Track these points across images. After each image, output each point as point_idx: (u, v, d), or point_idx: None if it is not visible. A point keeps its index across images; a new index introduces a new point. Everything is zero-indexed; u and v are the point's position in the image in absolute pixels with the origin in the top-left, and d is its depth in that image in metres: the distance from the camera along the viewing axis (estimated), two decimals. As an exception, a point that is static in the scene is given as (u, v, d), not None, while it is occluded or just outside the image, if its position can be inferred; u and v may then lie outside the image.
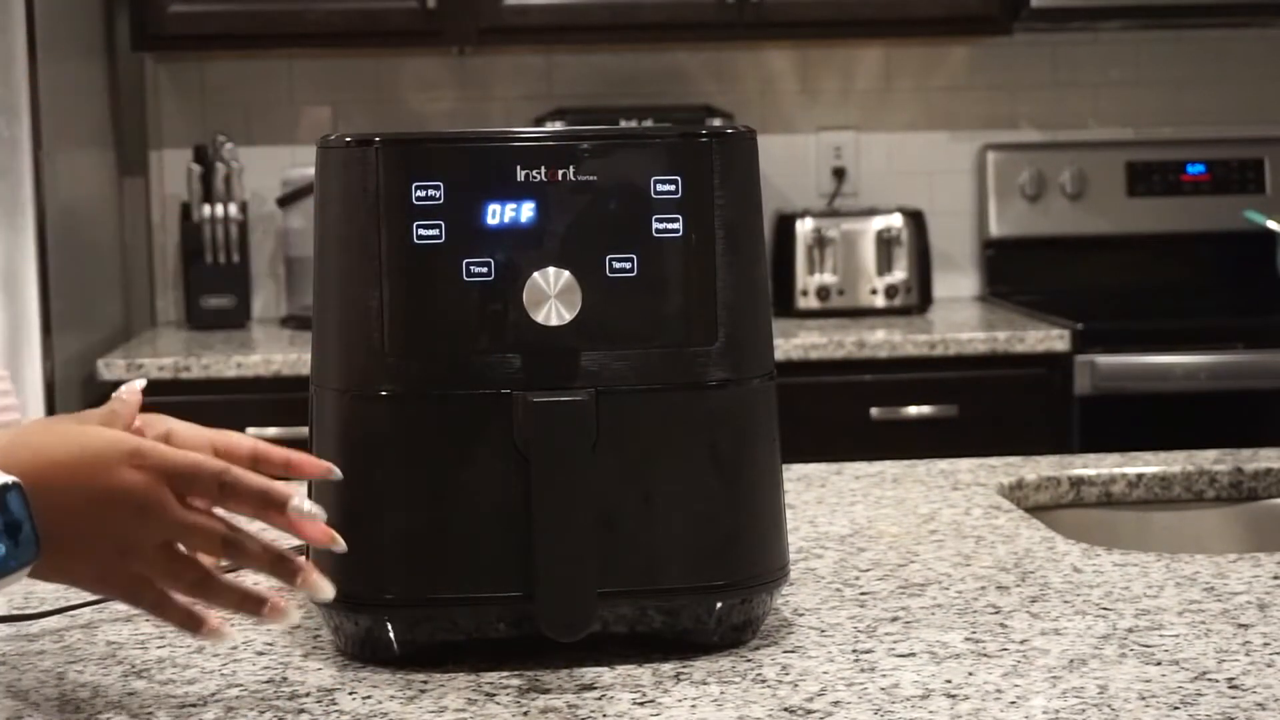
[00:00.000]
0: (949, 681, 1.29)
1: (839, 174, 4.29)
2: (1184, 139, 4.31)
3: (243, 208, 4.01)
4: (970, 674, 1.31)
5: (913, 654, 1.36)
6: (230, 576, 1.11)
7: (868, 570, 1.64)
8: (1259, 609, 1.47)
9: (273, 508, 1.11)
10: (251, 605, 1.14)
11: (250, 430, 2.99)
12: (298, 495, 1.10)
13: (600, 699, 1.27)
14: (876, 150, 4.31)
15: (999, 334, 3.65)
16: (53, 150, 3.43)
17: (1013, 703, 1.24)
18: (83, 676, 1.33)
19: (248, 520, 1.17)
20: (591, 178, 1.32)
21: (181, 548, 1.13)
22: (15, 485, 1.01)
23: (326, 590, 1.13)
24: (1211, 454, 2.14)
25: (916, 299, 4.02)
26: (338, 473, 1.19)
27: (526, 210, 1.31)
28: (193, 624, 1.15)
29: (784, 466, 1.43)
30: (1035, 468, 2.10)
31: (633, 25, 3.92)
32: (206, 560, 1.14)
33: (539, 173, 1.32)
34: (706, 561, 1.34)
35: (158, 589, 1.10)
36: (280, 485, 1.10)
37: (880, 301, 4.01)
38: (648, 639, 1.36)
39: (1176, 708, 1.22)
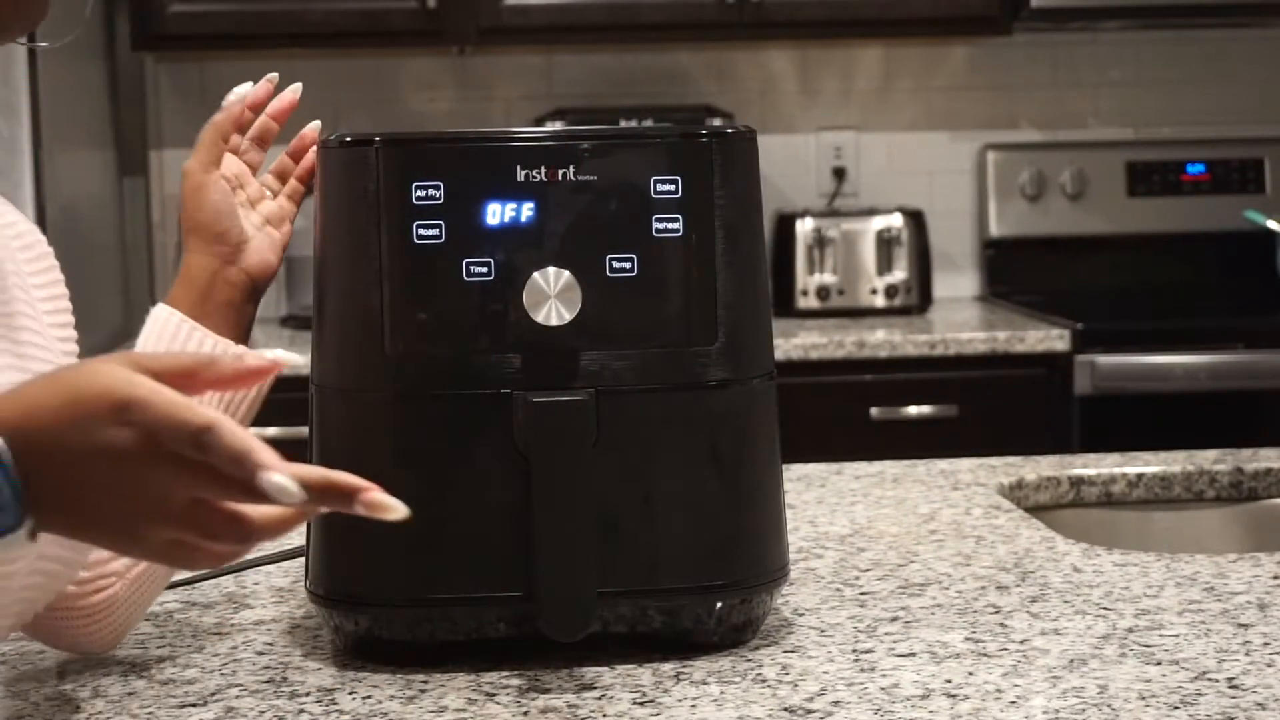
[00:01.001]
0: (949, 681, 1.29)
1: (839, 174, 4.29)
2: (1184, 139, 4.31)
3: (243, 208, 4.01)
4: (970, 674, 1.31)
5: (913, 654, 1.36)
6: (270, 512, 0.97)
7: (868, 570, 1.64)
8: (1259, 609, 1.47)
9: (245, 471, 0.94)
10: (337, 498, 0.96)
11: (250, 430, 2.98)
12: (275, 470, 0.94)
13: (600, 699, 1.27)
14: (876, 150, 4.31)
15: (999, 334, 3.65)
16: (53, 150, 3.43)
17: (1013, 703, 1.24)
18: (83, 676, 1.33)
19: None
20: (591, 178, 1.32)
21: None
22: None
23: (397, 508, 0.96)
24: (1211, 454, 2.14)
25: (916, 299, 4.02)
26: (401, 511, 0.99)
27: (526, 210, 1.31)
28: (216, 557, 0.99)
29: (784, 466, 1.43)
30: (1035, 468, 2.10)
31: (633, 25, 3.92)
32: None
33: (539, 173, 1.32)
34: (706, 561, 1.34)
35: (189, 553, 0.97)
36: (263, 451, 0.95)
37: (880, 301, 4.01)
38: (648, 639, 1.36)
39: (1176, 708, 1.22)
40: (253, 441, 0.94)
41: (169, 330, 1.38)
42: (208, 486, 0.94)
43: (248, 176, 1.48)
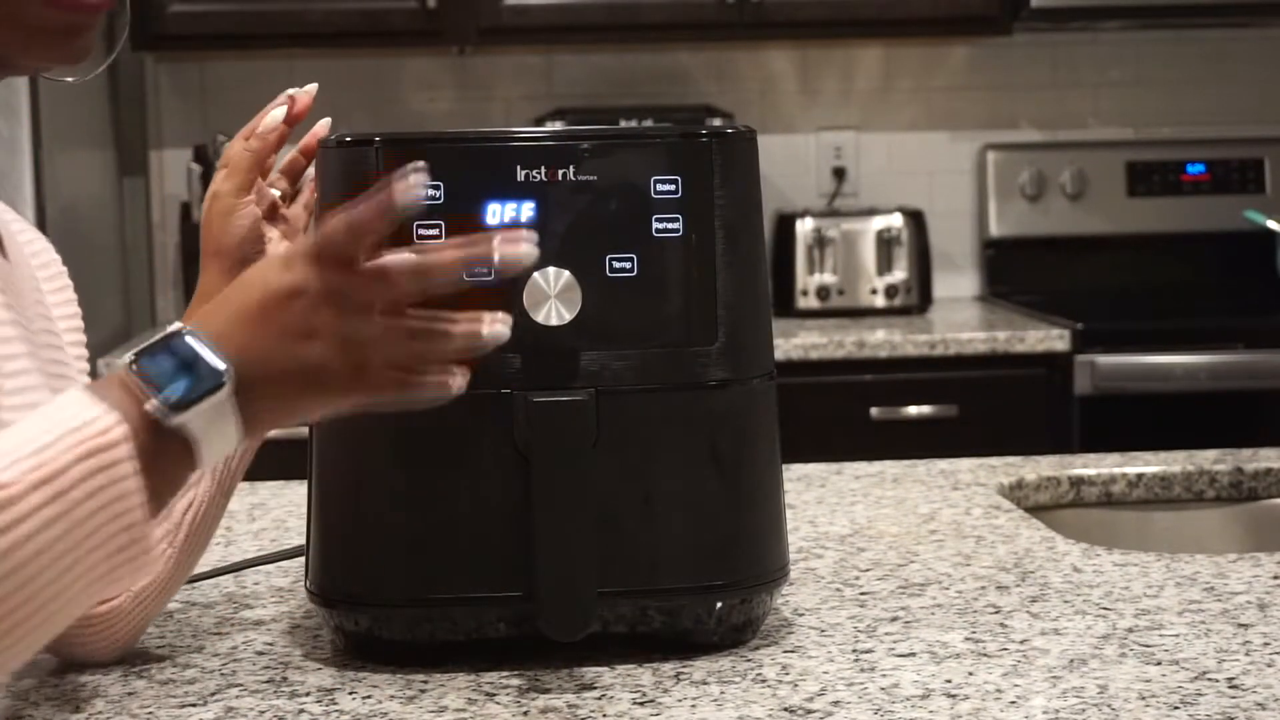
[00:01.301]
0: (949, 681, 1.29)
1: (839, 174, 4.29)
2: (1184, 139, 4.31)
3: (243, 208, 4.01)
4: (970, 674, 1.31)
5: (913, 654, 1.36)
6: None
7: (868, 570, 1.64)
8: (1259, 609, 1.47)
9: (389, 208, 1.06)
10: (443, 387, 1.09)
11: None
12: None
13: (600, 699, 1.27)
14: (876, 150, 4.31)
15: (999, 334, 3.65)
16: (53, 150, 3.43)
17: (1013, 703, 1.24)
18: (82, 676, 1.33)
19: None
20: (591, 177, 1.32)
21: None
22: (176, 331, 1.04)
23: (528, 252, 1.09)
24: (1211, 454, 2.14)
25: (916, 299, 4.02)
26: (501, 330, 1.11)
27: (526, 210, 1.31)
28: (444, 387, 1.10)
29: (784, 466, 1.43)
30: (1035, 468, 2.10)
31: (633, 25, 3.92)
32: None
33: (539, 173, 1.32)
34: (706, 561, 1.34)
35: (400, 380, 1.07)
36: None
37: (880, 301, 4.01)
38: (648, 639, 1.36)
39: (1176, 708, 1.22)
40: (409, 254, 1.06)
41: None
42: (380, 286, 1.05)
43: (275, 209, 1.45)
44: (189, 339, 1.04)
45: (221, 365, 1.03)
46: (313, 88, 1.44)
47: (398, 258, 1.06)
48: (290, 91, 1.43)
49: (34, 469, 0.93)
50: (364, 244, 1.05)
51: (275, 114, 1.42)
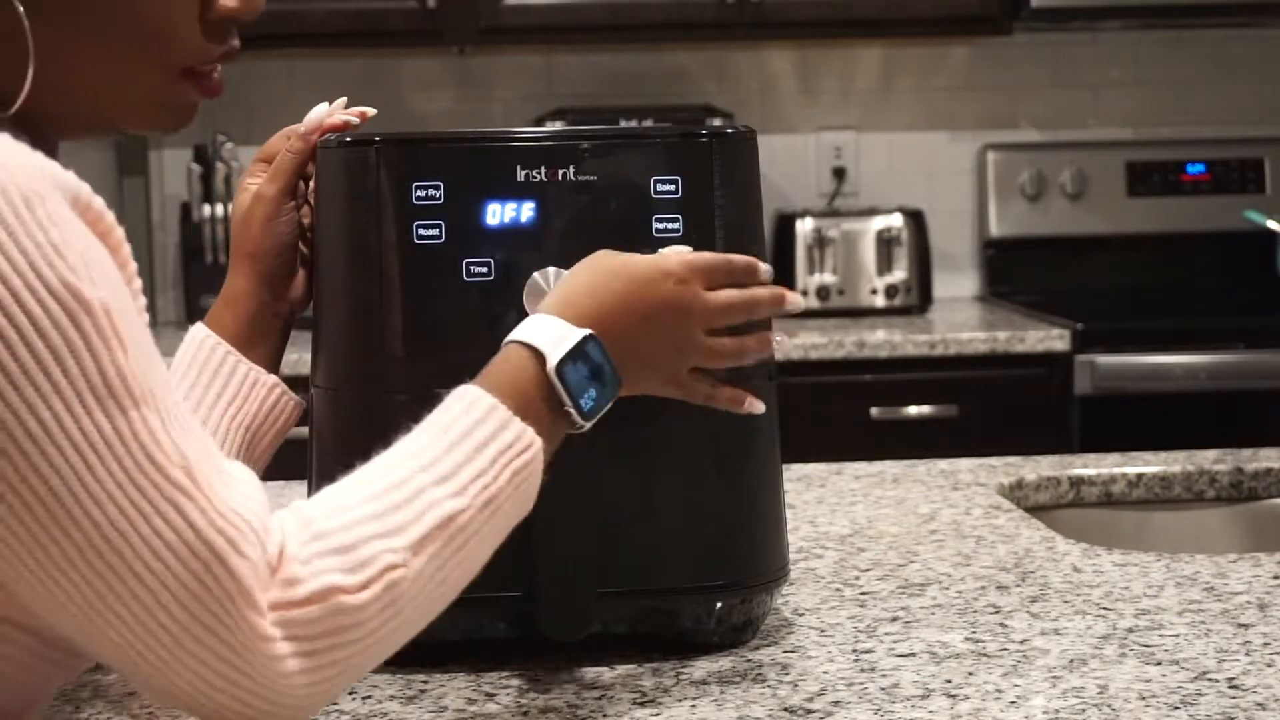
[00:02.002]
0: (949, 681, 1.29)
1: (839, 174, 4.29)
2: (1184, 139, 4.30)
3: (243, 208, 4.01)
4: (970, 674, 1.30)
5: (913, 654, 1.36)
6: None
7: (868, 570, 1.64)
8: (1259, 609, 1.47)
9: (779, 303, 1.28)
10: (765, 344, 1.29)
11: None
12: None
13: (600, 699, 1.26)
14: (876, 150, 4.31)
15: (999, 334, 3.65)
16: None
17: (1013, 703, 1.24)
18: (83, 676, 1.33)
19: None
20: (591, 178, 1.32)
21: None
22: (590, 336, 1.16)
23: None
24: (1212, 454, 2.14)
25: (916, 299, 4.02)
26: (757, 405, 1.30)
27: (526, 210, 1.31)
28: (736, 402, 1.28)
29: (784, 466, 1.43)
30: (1035, 468, 2.10)
31: (633, 25, 3.91)
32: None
33: (539, 173, 1.32)
34: (706, 561, 1.34)
35: (706, 384, 1.25)
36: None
37: (880, 301, 4.01)
38: (648, 639, 1.36)
39: (1176, 708, 1.22)
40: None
41: (203, 355, 1.38)
42: (725, 314, 1.24)
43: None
44: (593, 347, 1.16)
45: (617, 375, 1.18)
46: (341, 102, 1.43)
47: (744, 294, 1.25)
48: (340, 101, 1.43)
49: (480, 493, 1.07)
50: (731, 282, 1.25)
51: (317, 112, 1.41)
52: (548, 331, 1.15)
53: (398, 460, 1.07)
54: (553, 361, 1.13)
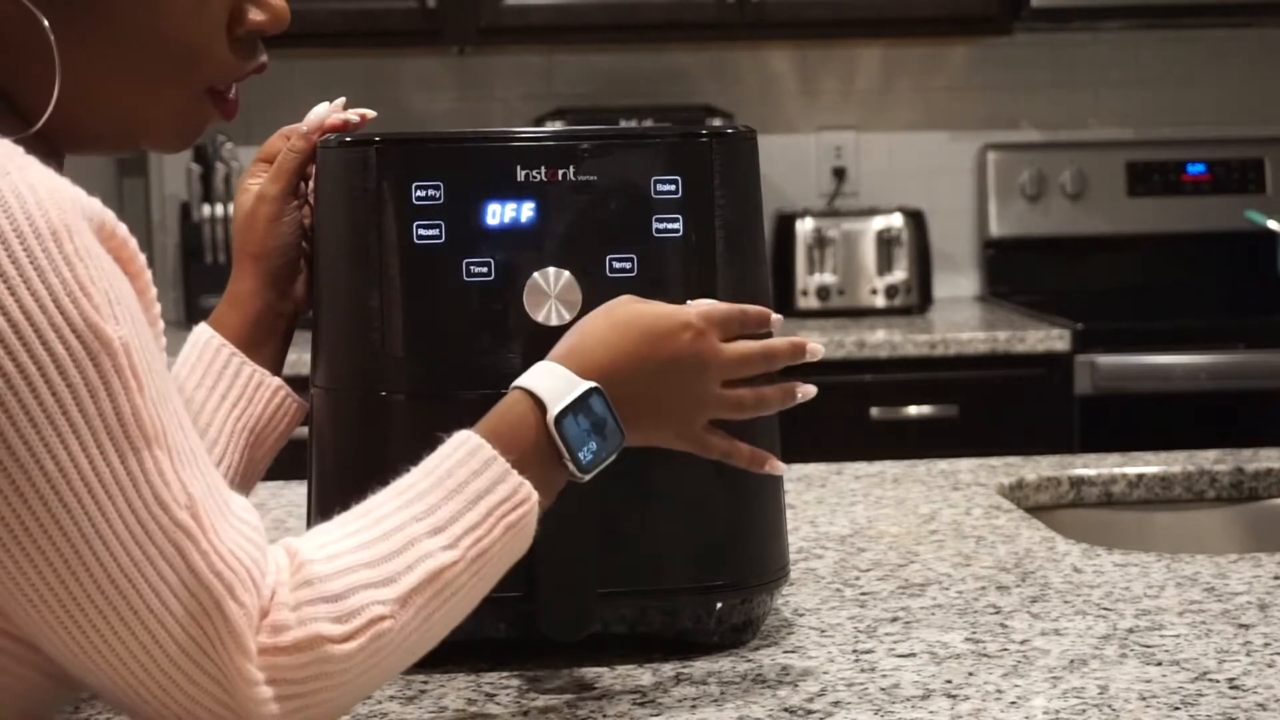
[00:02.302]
0: (949, 681, 1.29)
1: (839, 174, 4.29)
2: (1184, 139, 4.30)
3: (242, 208, 4.01)
4: (970, 674, 1.30)
5: (913, 654, 1.36)
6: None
7: (868, 570, 1.63)
8: (1259, 609, 1.47)
9: (800, 353, 1.26)
10: (789, 395, 1.26)
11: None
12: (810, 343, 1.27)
13: (600, 699, 1.26)
14: (876, 150, 4.31)
15: (999, 334, 3.64)
16: (53, 150, 3.43)
17: (1013, 703, 1.24)
18: (82, 677, 1.33)
19: None
20: (591, 178, 1.32)
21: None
22: (595, 389, 1.15)
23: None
24: (1212, 454, 2.13)
25: (916, 299, 4.02)
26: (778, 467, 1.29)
27: (526, 210, 1.31)
28: (757, 462, 1.27)
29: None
30: (1035, 468, 2.10)
31: (633, 25, 3.91)
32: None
33: (539, 173, 1.32)
34: (706, 561, 1.34)
35: (725, 438, 1.24)
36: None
37: (880, 301, 4.01)
38: (648, 639, 1.36)
39: (1177, 708, 1.22)
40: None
41: (207, 356, 1.38)
42: (743, 366, 1.22)
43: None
44: (597, 400, 1.16)
45: (621, 429, 1.17)
46: (341, 102, 1.43)
47: (761, 345, 1.24)
48: (339, 101, 1.42)
49: (472, 546, 1.07)
50: (744, 333, 1.24)
51: (318, 111, 1.41)
52: (551, 381, 1.15)
53: (393, 506, 1.08)
54: (553, 413, 1.13)
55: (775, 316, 1.26)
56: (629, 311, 1.20)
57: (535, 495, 1.11)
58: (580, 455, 1.14)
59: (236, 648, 0.98)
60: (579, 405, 1.14)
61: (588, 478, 1.16)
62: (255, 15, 1.16)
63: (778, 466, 1.28)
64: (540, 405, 1.14)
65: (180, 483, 0.98)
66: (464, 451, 1.10)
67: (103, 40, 1.07)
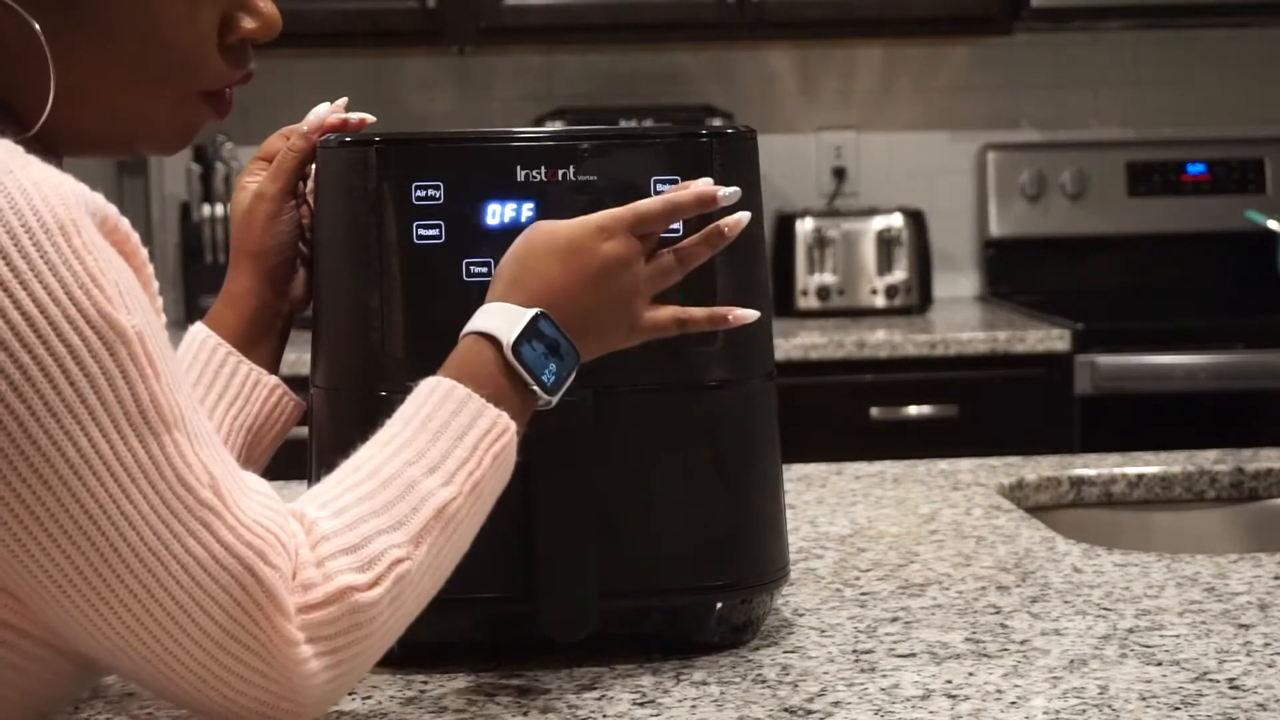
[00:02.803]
0: (949, 682, 1.29)
1: (839, 174, 4.29)
2: (1184, 139, 4.30)
3: (242, 207, 4.01)
4: (970, 674, 1.30)
5: (913, 654, 1.36)
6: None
7: (868, 570, 1.63)
8: (1260, 609, 1.47)
9: (709, 201, 1.26)
10: (716, 237, 1.27)
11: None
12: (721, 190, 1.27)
13: (600, 699, 1.26)
14: (876, 150, 4.31)
15: (999, 334, 3.65)
16: (52, 150, 3.43)
17: (1013, 703, 1.24)
18: (82, 677, 1.33)
19: None
20: (591, 178, 1.32)
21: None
22: (540, 314, 1.18)
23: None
24: (1212, 454, 2.13)
25: (916, 299, 4.02)
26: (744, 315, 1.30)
27: (526, 210, 1.31)
28: (717, 319, 1.28)
29: (784, 466, 1.43)
30: (1035, 468, 2.10)
31: (633, 25, 3.91)
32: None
33: (539, 173, 1.32)
34: (706, 561, 1.34)
35: (673, 307, 1.26)
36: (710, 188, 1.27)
37: (880, 301, 4.01)
38: (648, 639, 1.36)
39: (1177, 708, 1.22)
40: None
41: (204, 355, 1.38)
42: (647, 229, 1.24)
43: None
44: (545, 323, 1.18)
45: (574, 345, 1.20)
46: (343, 102, 1.43)
47: (662, 199, 1.25)
48: (341, 101, 1.42)
49: (466, 479, 1.12)
50: (670, 222, 1.25)
51: (319, 111, 1.41)
52: (498, 318, 1.18)
53: (384, 457, 1.12)
54: (508, 344, 1.17)
55: (750, 312, 1.28)
56: (546, 235, 1.22)
57: (513, 424, 1.15)
58: (544, 378, 1.18)
59: (276, 609, 1.01)
60: (530, 332, 1.18)
61: (555, 399, 1.19)
62: (247, 23, 1.17)
63: (743, 315, 1.28)
64: (495, 342, 1.17)
65: (201, 463, 1.01)
66: (439, 395, 1.14)
67: (96, 46, 1.09)
